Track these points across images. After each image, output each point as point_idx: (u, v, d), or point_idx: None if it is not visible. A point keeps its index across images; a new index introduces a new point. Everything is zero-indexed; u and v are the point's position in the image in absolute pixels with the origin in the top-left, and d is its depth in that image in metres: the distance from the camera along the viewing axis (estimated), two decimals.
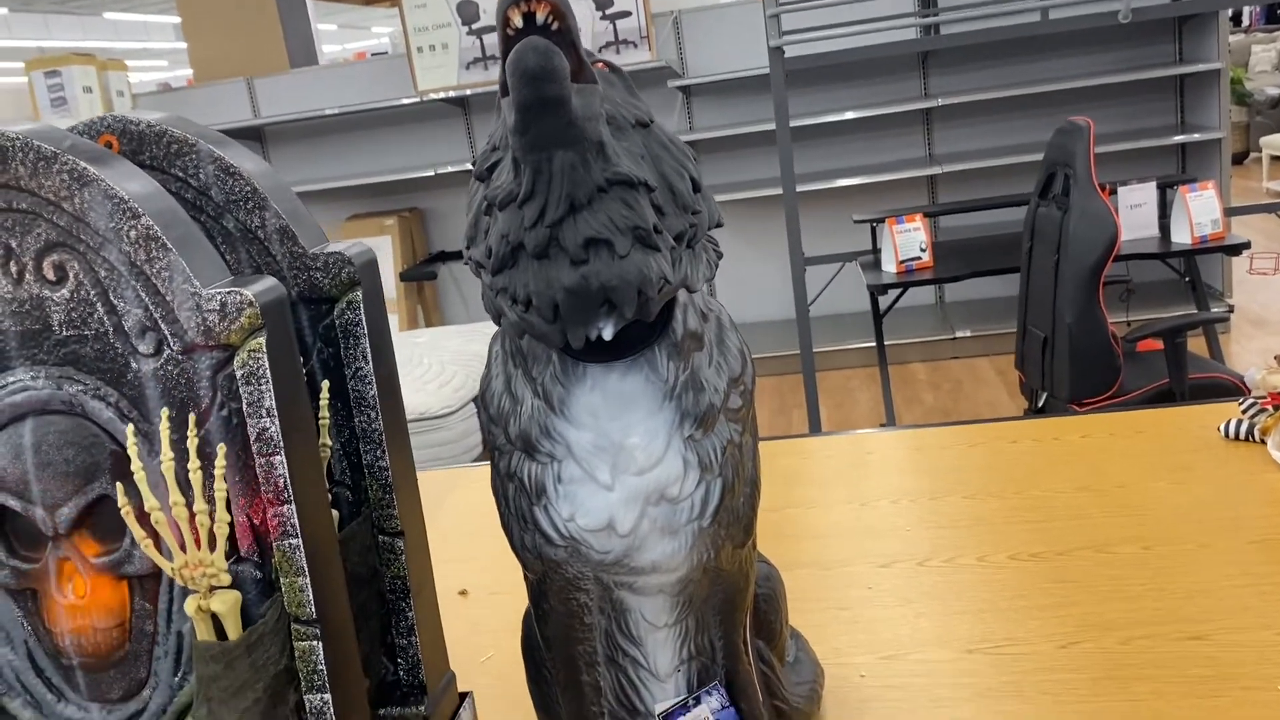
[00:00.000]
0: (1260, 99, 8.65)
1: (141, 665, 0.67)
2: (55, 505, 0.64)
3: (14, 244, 0.62)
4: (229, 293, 0.59)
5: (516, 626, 0.78)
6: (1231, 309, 4.65)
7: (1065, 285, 2.60)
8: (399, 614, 0.76)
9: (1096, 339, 2.58)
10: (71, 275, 0.62)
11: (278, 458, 0.60)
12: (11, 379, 0.64)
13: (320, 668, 0.63)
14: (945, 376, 4.64)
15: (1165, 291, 4.46)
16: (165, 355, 0.61)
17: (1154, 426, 1.33)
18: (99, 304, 0.62)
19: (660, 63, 4.74)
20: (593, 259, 0.54)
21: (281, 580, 0.62)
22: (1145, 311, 4.02)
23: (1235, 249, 3.43)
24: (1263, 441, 1.21)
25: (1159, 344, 2.58)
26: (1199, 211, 3.38)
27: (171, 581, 0.65)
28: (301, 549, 0.61)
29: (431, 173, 5.15)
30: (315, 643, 0.63)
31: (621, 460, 0.61)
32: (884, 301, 3.81)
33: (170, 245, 0.59)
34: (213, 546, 0.61)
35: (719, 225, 0.62)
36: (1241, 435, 1.23)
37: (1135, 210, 3.55)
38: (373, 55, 7.82)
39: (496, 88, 0.59)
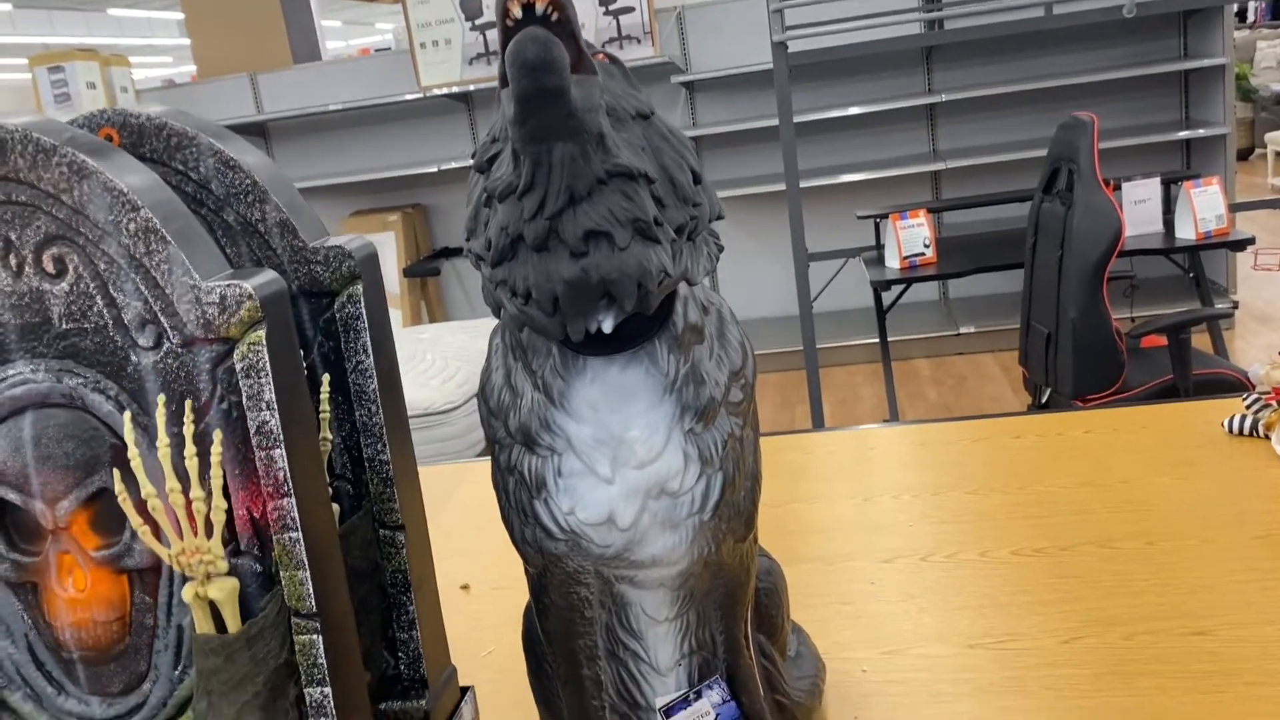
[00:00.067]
0: (1265, 95, 8.63)
1: (142, 659, 0.67)
2: (55, 498, 0.64)
3: (13, 237, 0.62)
4: (229, 286, 0.59)
5: (518, 621, 0.77)
6: (1236, 305, 4.65)
7: (1069, 281, 2.59)
8: (400, 608, 0.75)
9: (1100, 335, 2.58)
10: (71, 268, 0.62)
11: (278, 451, 0.60)
12: (11, 372, 0.64)
13: (320, 661, 0.63)
14: (949, 372, 4.63)
15: (1169, 287, 4.45)
16: (165, 348, 0.61)
17: (1158, 422, 1.32)
18: (99, 297, 0.62)
19: (664, 58, 4.74)
20: (592, 251, 0.54)
21: (282, 574, 0.62)
22: (1149, 307, 4.02)
23: (1240, 245, 3.42)
24: (1266, 437, 1.20)
25: (1163, 340, 2.57)
26: (1203, 207, 3.37)
27: (171, 575, 0.65)
28: (302, 542, 0.61)
29: (435, 169, 5.15)
30: (315, 636, 0.63)
31: (622, 454, 0.61)
32: (887, 297, 3.81)
33: (170, 238, 0.59)
34: (210, 533, 0.60)
35: (719, 218, 0.62)
36: (1245, 431, 1.23)
37: (1139, 206, 3.54)
38: (376, 51, 7.82)
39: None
